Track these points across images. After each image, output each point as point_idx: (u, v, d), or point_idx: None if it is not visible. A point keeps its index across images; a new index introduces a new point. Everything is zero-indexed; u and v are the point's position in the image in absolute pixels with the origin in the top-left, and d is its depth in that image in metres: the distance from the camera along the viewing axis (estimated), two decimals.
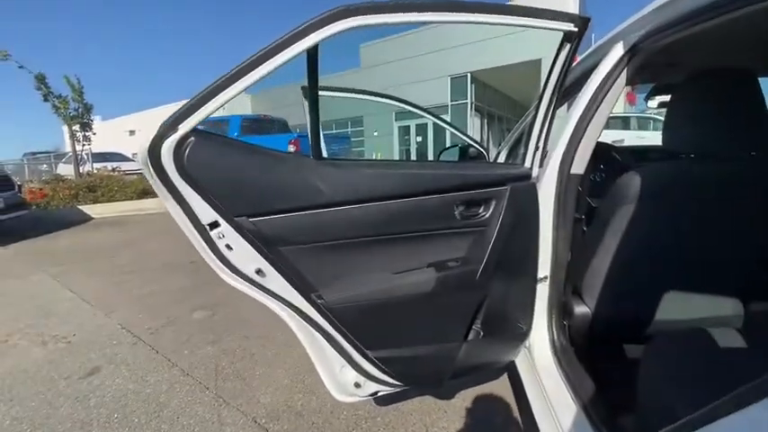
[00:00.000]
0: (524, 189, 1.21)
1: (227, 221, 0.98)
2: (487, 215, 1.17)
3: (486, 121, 17.13)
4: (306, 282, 1.07)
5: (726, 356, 0.96)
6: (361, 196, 1.04)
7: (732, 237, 1.22)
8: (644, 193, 1.15)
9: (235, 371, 2.19)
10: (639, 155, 2.57)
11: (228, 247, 1.00)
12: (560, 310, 1.45)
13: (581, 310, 1.46)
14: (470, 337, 1.28)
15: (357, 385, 1.25)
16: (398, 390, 1.34)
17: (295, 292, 1.07)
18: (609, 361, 1.56)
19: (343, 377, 1.24)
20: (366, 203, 1.05)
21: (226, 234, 0.99)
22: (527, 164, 1.27)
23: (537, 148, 1.25)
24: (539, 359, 1.42)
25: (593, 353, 1.53)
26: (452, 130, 2.27)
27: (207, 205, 0.95)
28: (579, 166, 1.29)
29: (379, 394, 1.32)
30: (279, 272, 1.05)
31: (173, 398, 1.96)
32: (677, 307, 1.35)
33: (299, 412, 1.81)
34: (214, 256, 1.02)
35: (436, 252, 1.17)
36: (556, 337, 1.41)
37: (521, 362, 1.50)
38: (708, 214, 1.17)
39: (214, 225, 0.98)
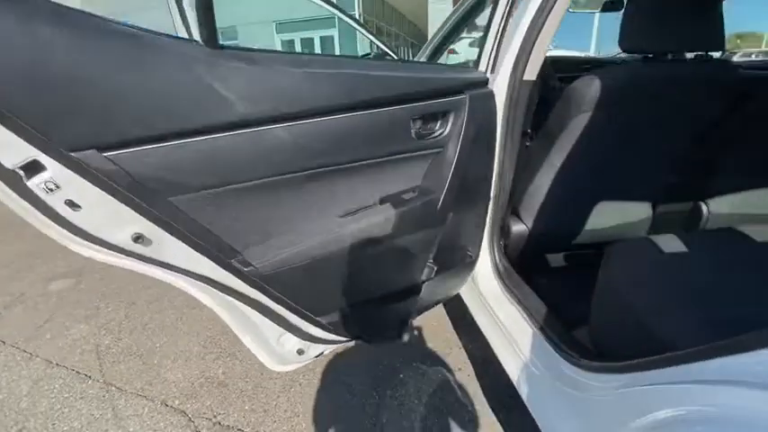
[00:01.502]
0: (483, 98, 1.01)
1: (59, 160, 0.57)
2: (446, 132, 0.95)
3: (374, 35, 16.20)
4: (220, 244, 0.75)
5: (673, 260, 0.98)
6: (287, 109, 0.71)
7: (679, 139, 1.23)
8: (602, 99, 1.05)
9: (125, 348, 1.77)
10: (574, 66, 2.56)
11: (72, 204, 0.61)
12: (500, 231, 1.39)
13: (518, 228, 1.43)
14: (425, 275, 1.14)
15: (300, 352, 1.04)
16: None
17: (205, 259, 0.75)
18: (545, 274, 1.62)
19: (282, 347, 1.00)
20: (296, 120, 0.73)
21: (61, 183, 0.59)
22: (481, 67, 1.06)
23: (493, 50, 1.04)
24: (484, 285, 1.37)
25: (526, 267, 1.57)
26: (367, 35, 1.90)
27: (10, 133, 0.52)
28: (532, 71, 1.13)
29: (326, 353, 1.14)
30: (175, 235, 0.70)
31: (40, 400, 1.50)
32: (603, 216, 1.39)
33: (222, 382, 1.55)
34: (49, 221, 0.62)
35: (389, 184, 0.94)
36: (498, 261, 1.36)
37: (464, 292, 1.46)
38: (661, 119, 1.14)
39: (33, 169, 0.57)
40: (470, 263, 1.26)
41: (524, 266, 1.44)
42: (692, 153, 1.30)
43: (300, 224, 0.84)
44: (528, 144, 1.32)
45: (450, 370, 1.51)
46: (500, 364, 1.23)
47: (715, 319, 0.82)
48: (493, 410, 1.34)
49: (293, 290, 0.88)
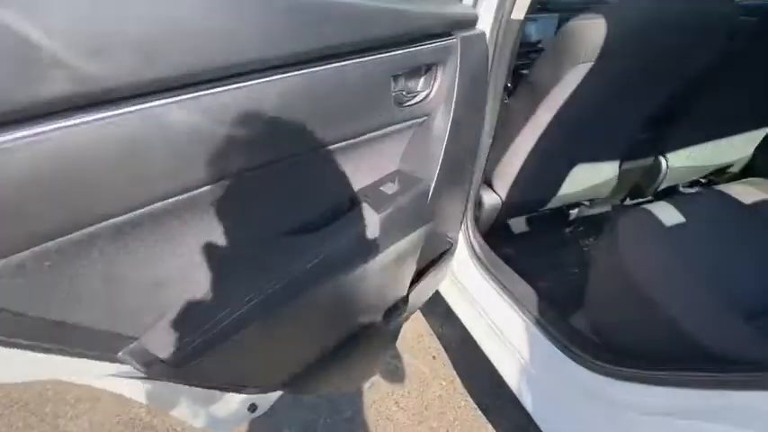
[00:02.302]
0: (475, 43, 0.74)
1: None
2: (432, 93, 0.68)
3: None
4: (86, 336, 0.42)
5: (679, 235, 0.88)
6: (185, 67, 0.39)
7: (660, 91, 1.10)
8: (608, 46, 0.85)
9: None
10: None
11: None
12: (473, 204, 1.20)
13: (491, 200, 1.26)
14: (406, 290, 0.91)
15: (253, 408, 0.77)
16: None
17: (72, 363, 0.42)
18: (511, 244, 1.50)
19: (224, 409, 0.72)
20: (207, 88, 0.41)
21: None
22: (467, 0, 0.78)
23: None
24: (460, 271, 1.20)
25: (492, 239, 1.43)
26: None
27: None
28: (521, 6, 0.88)
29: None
30: None
31: None
32: (576, 178, 1.27)
33: (149, 423, 1.22)
34: None
35: (361, 178, 0.66)
36: (473, 240, 1.18)
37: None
38: (653, 67, 0.98)
39: None
40: (451, 251, 1.06)
41: (489, 238, 1.29)
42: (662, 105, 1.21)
43: (228, 277, 0.53)
44: (506, 101, 1.11)
45: (423, 360, 1.37)
46: (478, 348, 1.11)
47: (738, 303, 0.73)
48: (476, 402, 1.23)
49: (233, 370, 0.59)
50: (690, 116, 1.32)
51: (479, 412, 1.19)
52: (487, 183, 1.27)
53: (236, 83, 0.43)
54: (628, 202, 1.67)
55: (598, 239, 1.51)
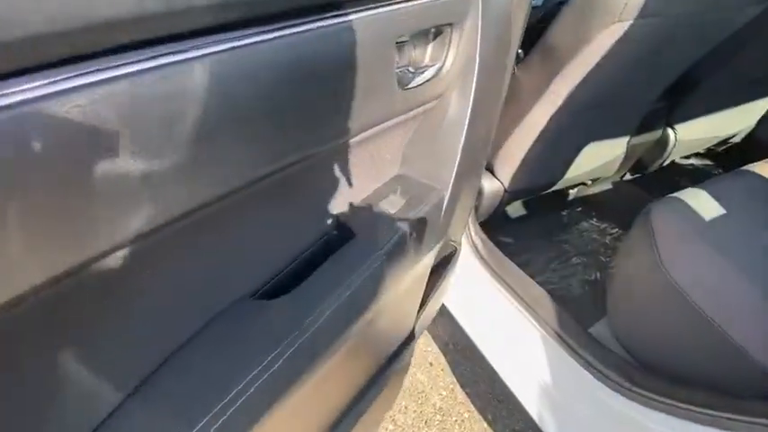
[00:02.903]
0: None
1: None
2: (445, 67, 0.48)
3: None
4: None
5: (722, 231, 0.75)
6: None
7: (688, 54, 0.94)
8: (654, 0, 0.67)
9: None
10: None
11: None
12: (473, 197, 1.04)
13: (492, 187, 1.10)
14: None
15: None
16: None
17: None
18: (510, 231, 1.36)
19: None
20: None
21: None
22: None
23: None
24: (460, 272, 1.05)
25: (493, 226, 1.29)
26: None
27: None
28: None
29: None
30: None
31: None
32: (585, 157, 1.13)
33: None
34: None
35: (351, 188, 0.47)
36: (474, 235, 1.03)
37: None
38: (687, 28, 0.81)
39: None
40: (455, 257, 0.89)
41: (485, 226, 1.15)
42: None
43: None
44: (513, 71, 0.93)
45: (420, 368, 1.24)
46: (477, 349, 0.99)
47: None
48: (480, 413, 1.12)
49: None
50: (703, 84, 1.18)
51: (485, 424, 1.09)
52: (488, 168, 1.10)
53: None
54: (627, 177, 1.56)
55: (610, 227, 1.40)
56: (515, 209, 1.47)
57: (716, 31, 0.85)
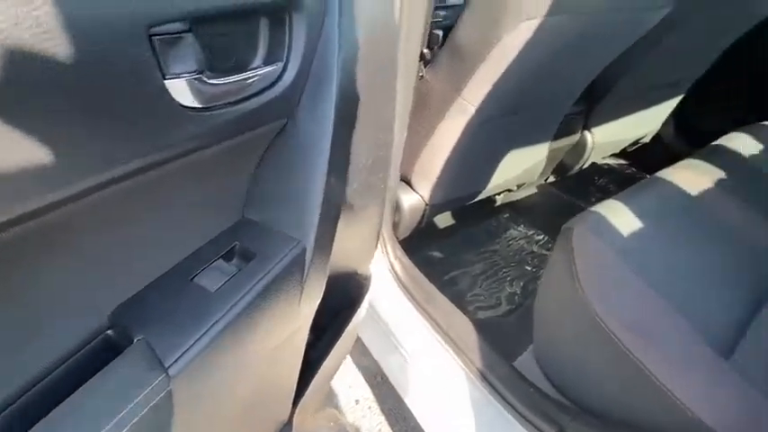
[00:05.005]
0: None
1: None
2: (287, 72, 0.34)
3: None
4: None
5: (643, 248, 0.71)
6: None
7: (605, 54, 0.90)
8: None
9: None
10: None
11: None
12: (390, 208, 0.93)
13: (412, 201, 1.00)
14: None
15: None
16: None
17: None
18: (435, 244, 1.27)
19: None
20: None
21: None
22: None
23: None
24: (379, 303, 0.93)
25: (418, 239, 1.19)
26: None
27: None
28: None
29: None
30: None
31: None
32: (508, 164, 1.07)
33: None
34: None
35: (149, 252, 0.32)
36: (393, 258, 0.92)
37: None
38: (602, 26, 0.76)
39: None
40: (363, 294, 0.76)
41: (410, 241, 1.05)
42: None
43: None
44: (422, 75, 0.82)
45: (344, 408, 1.10)
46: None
47: (716, 339, 0.57)
48: None
49: None
50: (614, 90, 1.18)
51: None
52: (405, 180, 1.00)
53: None
54: (551, 179, 1.55)
55: (536, 232, 1.36)
56: (444, 218, 1.40)
57: (624, 33, 0.82)
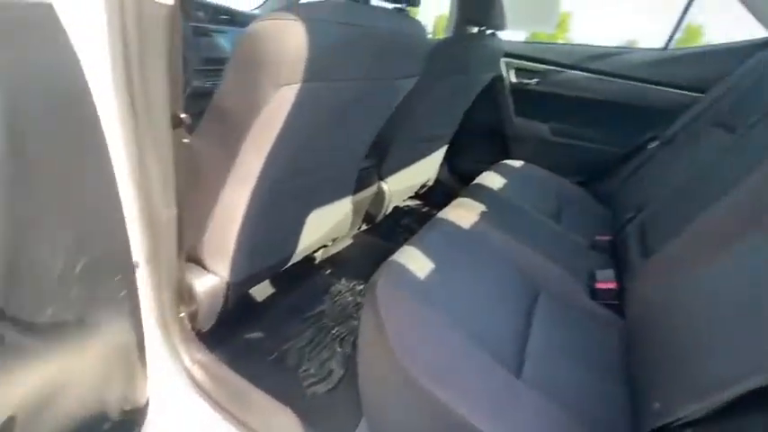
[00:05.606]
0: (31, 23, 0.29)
1: None
2: None
3: None
4: None
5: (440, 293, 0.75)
6: None
7: (379, 114, 0.97)
8: (314, 61, 0.60)
9: None
10: None
11: None
12: (178, 303, 0.76)
13: (207, 284, 0.84)
14: None
15: None
16: None
17: None
18: (258, 319, 1.11)
19: None
20: None
21: None
22: None
23: None
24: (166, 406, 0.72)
25: (234, 319, 1.01)
26: None
27: None
28: None
29: None
30: None
31: None
32: (313, 222, 1.04)
33: None
34: None
35: None
36: (188, 361, 0.74)
37: None
38: (369, 88, 0.81)
39: None
40: (134, 424, 0.55)
41: (219, 331, 0.89)
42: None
43: None
44: (186, 140, 0.71)
45: None
46: None
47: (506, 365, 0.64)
48: None
49: None
50: (396, 142, 1.33)
51: None
52: (196, 261, 0.84)
53: None
54: (364, 227, 1.62)
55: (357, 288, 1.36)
56: (261, 289, 1.26)
57: (384, 98, 0.91)
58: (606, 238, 1.13)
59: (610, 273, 0.92)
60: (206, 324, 0.88)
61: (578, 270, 0.94)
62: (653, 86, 1.51)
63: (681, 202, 0.98)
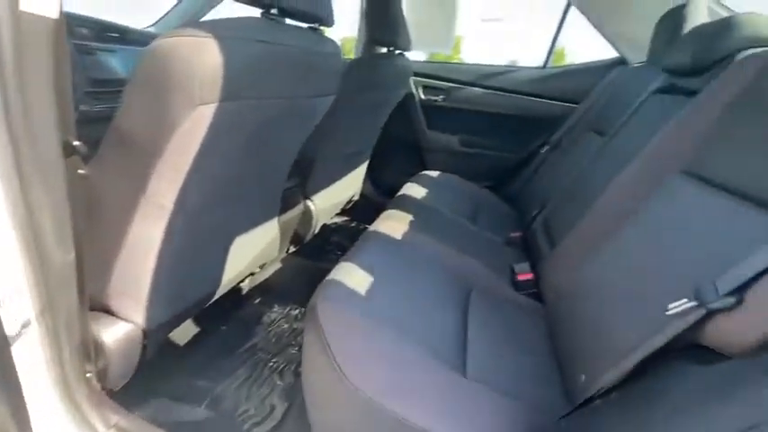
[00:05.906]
0: None
1: None
2: None
3: None
4: None
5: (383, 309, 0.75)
6: None
7: (300, 134, 0.95)
8: (231, 80, 0.57)
9: None
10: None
11: None
12: (83, 364, 0.65)
13: (120, 334, 0.73)
14: None
15: None
16: None
17: None
18: (182, 363, 0.99)
19: None
20: None
21: None
22: None
23: None
24: None
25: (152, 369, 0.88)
26: None
27: None
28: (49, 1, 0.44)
29: None
30: None
31: None
32: (240, 249, 0.98)
33: None
34: None
35: None
36: (103, 427, 0.63)
37: None
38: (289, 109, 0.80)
39: None
40: None
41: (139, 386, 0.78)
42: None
43: None
44: (82, 171, 0.61)
45: None
46: None
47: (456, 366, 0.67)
48: None
49: None
50: (319, 160, 1.32)
51: None
52: (102, 309, 0.72)
53: None
54: (292, 249, 1.56)
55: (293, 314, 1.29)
56: (183, 331, 1.13)
57: (304, 116, 0.91)
58: (518, 234, 1.26)
59: (526, 266, 1.02)
60: (120, 381, 0.76)
61: (500, 265, 1.03)
62: (538, 99, 1.73)
63: (571, 199, 1.13)
